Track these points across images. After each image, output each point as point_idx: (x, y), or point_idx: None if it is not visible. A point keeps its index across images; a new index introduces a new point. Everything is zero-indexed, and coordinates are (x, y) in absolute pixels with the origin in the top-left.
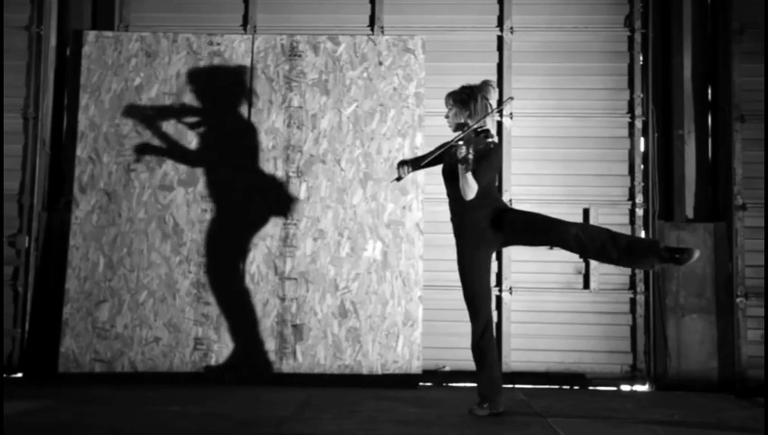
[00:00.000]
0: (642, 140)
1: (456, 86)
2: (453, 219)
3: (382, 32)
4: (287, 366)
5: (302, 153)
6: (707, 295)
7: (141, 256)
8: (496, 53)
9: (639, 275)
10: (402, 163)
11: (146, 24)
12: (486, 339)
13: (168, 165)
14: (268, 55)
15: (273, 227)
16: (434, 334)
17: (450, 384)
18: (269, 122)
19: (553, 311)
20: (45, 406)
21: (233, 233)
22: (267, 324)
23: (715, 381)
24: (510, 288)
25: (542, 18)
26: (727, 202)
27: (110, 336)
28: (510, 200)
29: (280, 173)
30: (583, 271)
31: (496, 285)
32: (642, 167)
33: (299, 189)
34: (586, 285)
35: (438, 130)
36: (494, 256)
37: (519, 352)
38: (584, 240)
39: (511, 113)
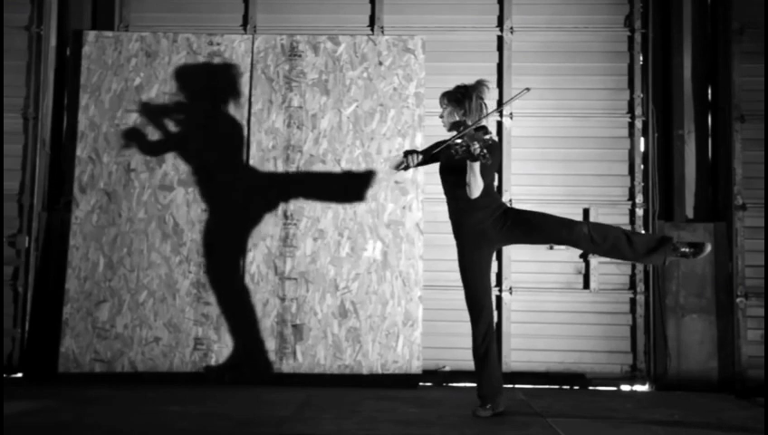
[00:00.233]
0: (642, 140)
1: (451, 86)
2: (452, 220)
3: (382, 32)
4: (287, 366)
5: (302, 153)
6: (707, 295)
7: (141, 256)
8: (496, 53)
9: (639, 275)
10: (409, 152)
11: (146, 24)
12: (487, 340)
13: (168, 165)
14: (268, 55)
15: (273, 227)
16: (434, 334)
17: (450, 384)
18: (269, 122)
19: (553, 311)
20: (45, 406)
21: (233, 233)
22: (267, 324)
23: (715, 381)
24: (510, 288)
25: (542, 18)
26: (727, 202)
27: (110, 336)
28: (510, 200)
29: (280, 173)
30: (583, 271)
31: (496, 285)
32: (642, 167)
33: (299, 189)
34: (586, 285)
35: (439, 129)
36: (494, 255)
37: (519, 352)
38: (596, 239)
39: (511, 113)
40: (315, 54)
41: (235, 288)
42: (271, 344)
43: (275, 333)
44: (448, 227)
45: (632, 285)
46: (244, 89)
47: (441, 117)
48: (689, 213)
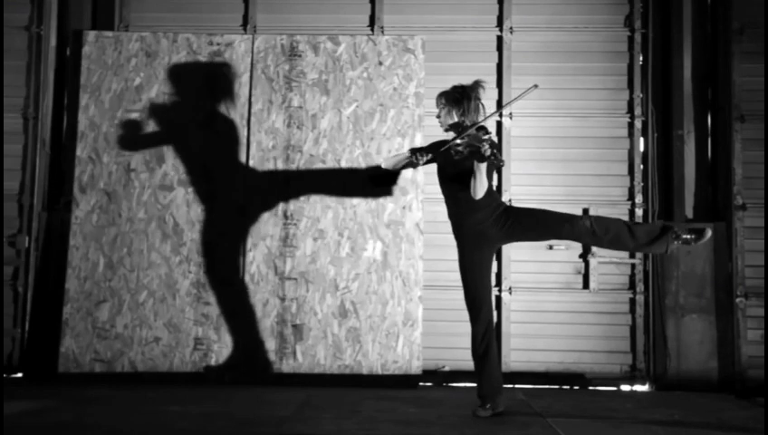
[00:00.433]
0: (642, 140)
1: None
2: (452, 221)
3: (382, 32)
4: (287, 366)
5: (302, 153)
6: (707, 295)
7: (141, 256)
8: (496, 53)
9: (639, 275)
10: (415, 150)
11: (146, 24)
12: (487, 339)
13: (168, 165)
14: (268, 55)
15: (273, 227)
16: (434, 334)
17: (450, 384)
18: (269, 122)
19: (553, 311)
20: (45, 406)
21: (233, 233)
22: (267, 324)
23: (715, 381)
24: (510, 288)
25: (541, 18)
26: (727, 202)
27: (110, 336)
28: (510, 200)
29: (280, 173)
30: (583, 271)
31: (496, 285)
32: (642, 167)
33: (299, 189)
34: (585, 285)
35: (438, 129)
36: (493, 257)
37: (519, 352)
38: (598, 232)
39: (510, 113)
40: (315, 54)
41: (234, 288)
42: (271, 344)
43: (275, 333)
44: (448, 226)
45: (632, 285)
46: (245, 89)
47: (438, 117)
48: (689, 213)
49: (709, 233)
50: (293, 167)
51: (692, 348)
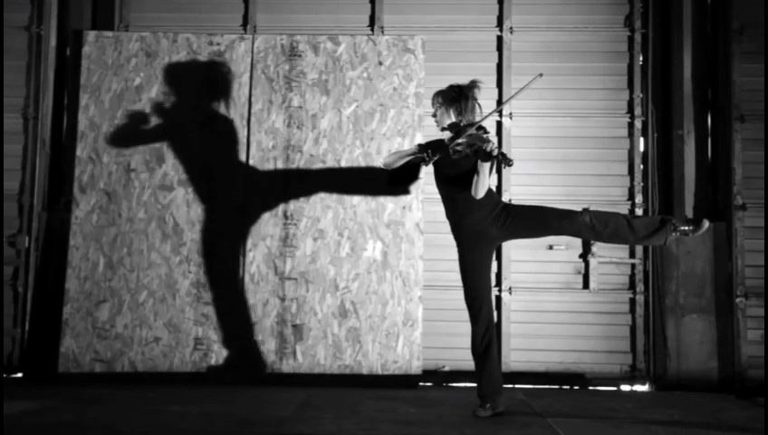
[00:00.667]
0: (642, 140)
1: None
2: (450, 221)
3: (382, 32)
4: (287, 366)
5: (302, 153)
6: (707, 295)
7: (141, 256)
8: (496, 53)
9: (639, 275)
10: (425, 147)
11: (146, 24)
12: (487, 339)
13: (168, 165)
14: (268, 55)
15: (273, 227)
16: (434, 334)
17: (450, 384)
18: (269, 122)
19: (553, 311)
20: (45, 406)
21: (233, 233)
22: (267, 324)
23: (715, 381)
24: (510, 288)
25: (541, 18)
26: (727, 202)
27: (110, 336)
28: (510, 200)
29: (280, 173)
30: (583, 271)
31: (496, 285)
32: (642, 167)
33: (299, 189)
34: (585, 285)
35: (438, 130)
36: (493, 255)
37: (519, 352)
38: (597, 226)
39: (510, 113)
40: (315, 54)
41: (235, 288)
42: (271, 344)
43: (275, 333)
44: (448, 226)
45: (632, 285)
46: (245, 89)
47: (434, 116)
48: (689, 213)
49: (706, 224)
50: (293, 167)
51: (692, 348)
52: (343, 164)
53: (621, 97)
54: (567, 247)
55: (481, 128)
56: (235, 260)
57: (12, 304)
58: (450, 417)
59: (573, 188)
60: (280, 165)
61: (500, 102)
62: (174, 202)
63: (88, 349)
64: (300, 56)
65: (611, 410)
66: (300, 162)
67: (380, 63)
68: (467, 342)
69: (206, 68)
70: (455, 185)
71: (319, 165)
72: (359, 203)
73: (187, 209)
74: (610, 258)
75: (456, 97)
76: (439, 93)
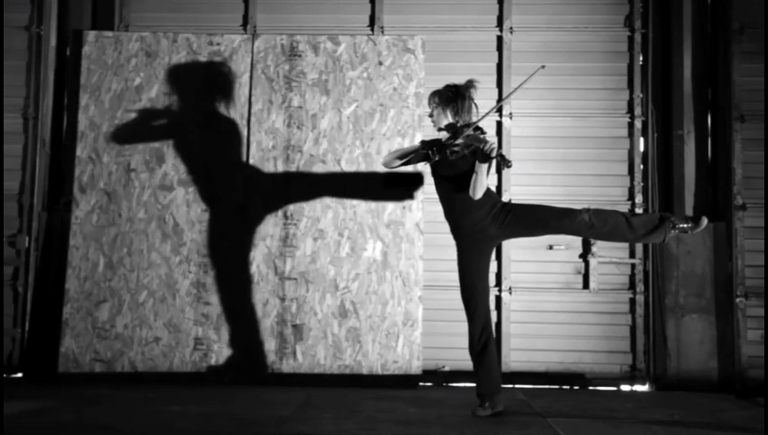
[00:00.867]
0: (642, 140)
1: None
2: (449, 221)
3: (382, 32)
4: (287, 366)
5: (302, 153)
6: (707, 295)
7: (141, 256)
8: (496, 53)
9: (639, 275)
10: (428, 144)
11: (146, 24)
12: (484, 338)
13: (168, 165)
14: (268, 55)
15: (273, 227)
16: (434, 334)
17: (450, 384)
18: (269, 122)
19: (553, 311)
20: (45, 406)
21: (233, 233)
22: (267, 324)
23: (715, 381)
24: (509, 288)
25: (541, 18)
26: (727, 202)
27: (110, 336)
28: (509, 200)
29: (280, 173)
30: (583, 271)
31: (496, 285)
32: (642, 167)
33: (299, 189)
34: (585, 285)
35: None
36: (493, 255)
37: (518, 352)
38: (596, 224)
39: (510, 113)
40: (315, 54)
41: (234, 288)
42: (271, 344)
43: (275, 333)
44: (448, 226)
45: (632, 285)
46: (245, 89)
47: (431, 116)
48: (689, 213)
49: (705, 221)
50: (293, 167)
51: (692, 348)
52: (343, 164)
53: (621, 97)
54: (567, 247)
55: (478, 128)
56: (235, 260)
57: (12, 304)
58: (450, 417)
59: (573, 188)
60: (280, 165)
61: (499, 100)
62: (174, 202)
63: (88, 349)
64: (300, 56)
65: (611, 410)
66: (300, 162)
67: (380, 63)
68: (467, 341)
69: (206, 68)
70: (452, 185)
71: (319, 165)
72: (359, 203)
73: (186, 209)
74: (610, 258)
75: (453, 97)
76: (436, 93)
